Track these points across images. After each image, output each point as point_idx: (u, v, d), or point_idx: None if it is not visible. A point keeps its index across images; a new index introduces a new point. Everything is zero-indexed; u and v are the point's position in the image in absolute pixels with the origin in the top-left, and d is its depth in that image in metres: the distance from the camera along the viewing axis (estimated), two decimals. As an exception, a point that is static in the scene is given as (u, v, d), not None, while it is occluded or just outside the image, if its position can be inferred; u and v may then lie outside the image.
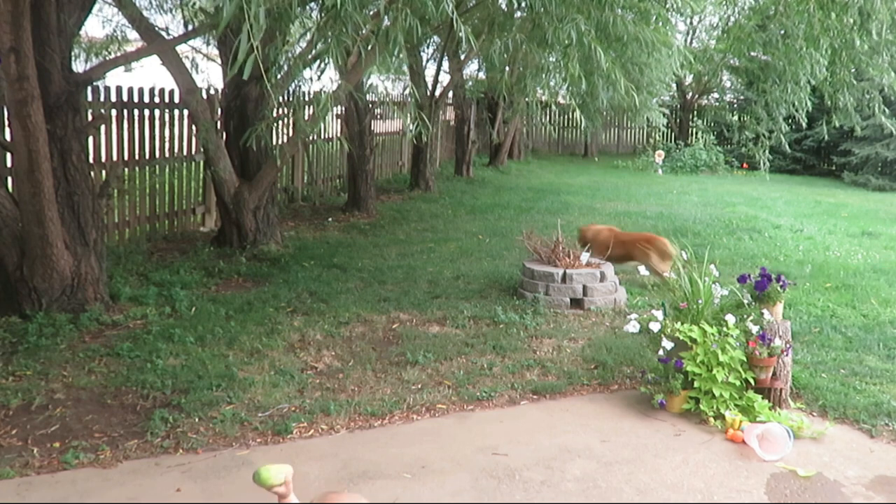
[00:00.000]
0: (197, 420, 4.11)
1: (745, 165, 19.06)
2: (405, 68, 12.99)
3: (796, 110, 9.02)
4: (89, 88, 7.16)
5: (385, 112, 12.97)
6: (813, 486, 3.67)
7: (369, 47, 4.98)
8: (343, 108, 10.93)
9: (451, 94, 15.28)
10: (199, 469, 3.64)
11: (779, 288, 4.77)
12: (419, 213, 11.02)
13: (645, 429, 4.25)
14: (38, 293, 5.49)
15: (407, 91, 6.86)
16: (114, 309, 5.82)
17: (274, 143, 7.91)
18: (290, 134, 10.22)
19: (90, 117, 6.74)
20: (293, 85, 8.40)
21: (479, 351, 5.35)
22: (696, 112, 22.74)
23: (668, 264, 6.69)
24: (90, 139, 6.99)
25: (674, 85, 20.59)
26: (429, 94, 13.30)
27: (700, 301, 4.75)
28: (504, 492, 3.53)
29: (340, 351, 5.29)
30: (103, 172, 7.61)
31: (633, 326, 4.87)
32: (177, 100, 8.59)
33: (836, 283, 7.47)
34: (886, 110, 9.87)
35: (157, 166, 8.54)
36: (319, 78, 5.56)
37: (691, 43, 20.22)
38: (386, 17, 4.43)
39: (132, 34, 9.07)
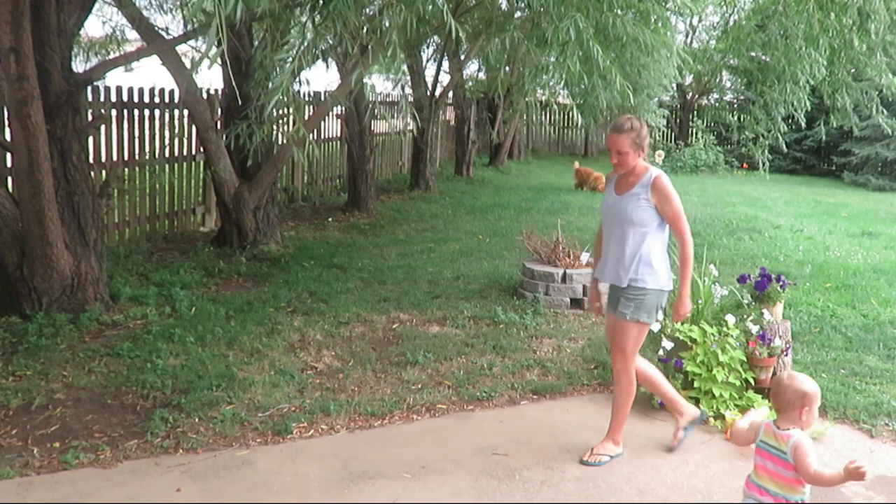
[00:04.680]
0: (197, 420, 4.11)
1: (744, 165, 19.06)
2: (405, 68, 13.01)
3: (795, 110, 9.01)
4: (89, 88, 7.15)
5: (384, 112, 12.96)
6: (813, 486, 3.66)
7: (368, 47, 4.97)
8: (343, 109, 10.93)
9: (451, 94, 15.28)
10: (199, 469, 3.64)
11: (779, 288, 4.77)
12: (419, 213, 11.02)
13: (645, 429, 4.25)
14: (38, 293, 5.49)
15: (397, 91, 6.84)
16: (114, 309, 5.82)
17: (266, 142, 7.89)
18: (288, 134, 10.21)
19: (90, 117, 6.73)
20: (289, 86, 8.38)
21: (479, 351, 5.35)
22: (695, 112, 22.72)
23: None
24: (90, 139, 6.98)
25: (673, 86, 20.58)
26: (429, 94, 13.31)
27: (700, 301, 4.75)
28: (504, 492, 3.53)
29: (340, 351, 5.29)
30: (103, 172, 7.61)
31: (633, 326, 4.86)
32: (177, 100, 8.59)
33: (836, 283, 7.47)
34: (885, 111, 9.87)
35: (157, 166, 8.54)
36: (306, 81, 5.54)
37: (691, 43, 20.20)
38: (386, 19, 4.42)
39: (132, 34, 9.06)
